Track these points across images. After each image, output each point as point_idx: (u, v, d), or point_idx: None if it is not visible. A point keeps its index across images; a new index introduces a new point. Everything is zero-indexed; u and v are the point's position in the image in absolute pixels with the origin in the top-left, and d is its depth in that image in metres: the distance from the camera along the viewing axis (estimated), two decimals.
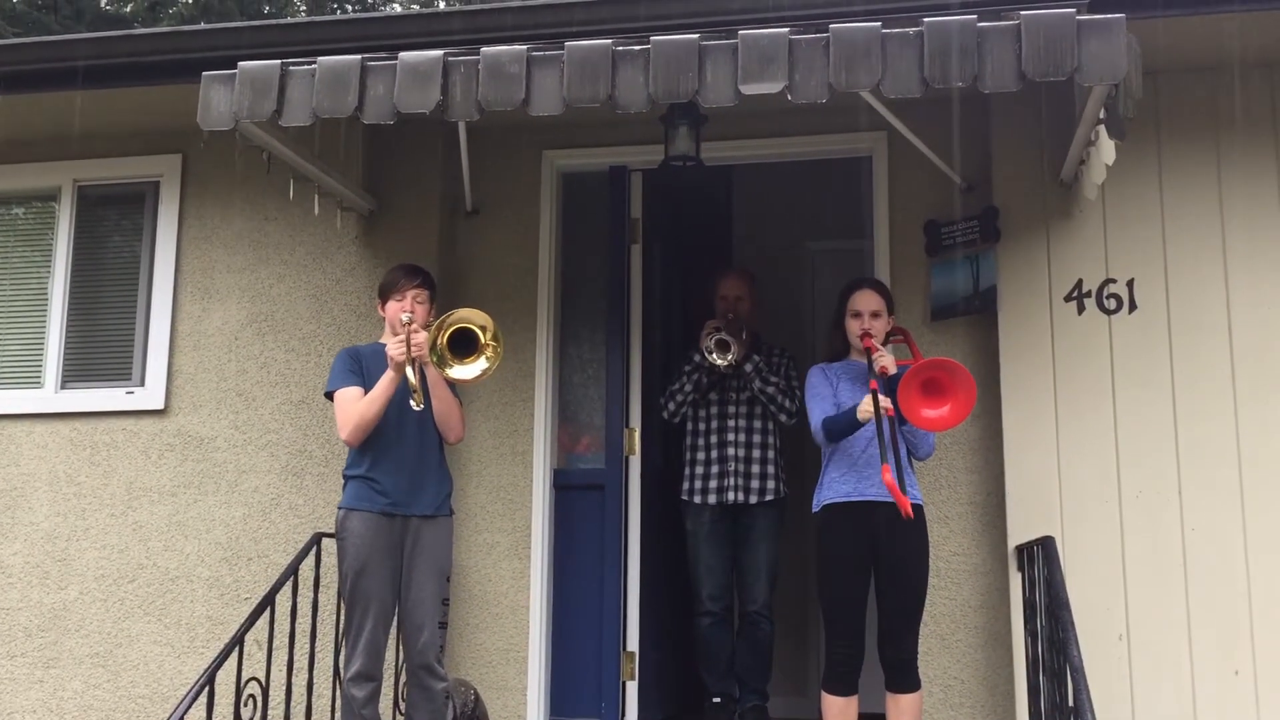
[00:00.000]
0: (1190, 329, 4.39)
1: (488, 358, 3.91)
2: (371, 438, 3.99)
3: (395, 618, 4.03)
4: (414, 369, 3.91)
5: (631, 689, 4.91)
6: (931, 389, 3.82)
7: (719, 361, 4.75)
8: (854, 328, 4.12)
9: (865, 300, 4.14)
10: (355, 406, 3.97)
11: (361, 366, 4.07)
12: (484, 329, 3.90)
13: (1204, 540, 4.27)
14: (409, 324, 3.96)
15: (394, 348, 3.92)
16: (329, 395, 4.09)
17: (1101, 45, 3.33)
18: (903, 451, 4.02)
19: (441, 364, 3.89)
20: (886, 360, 3.97)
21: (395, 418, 3.99)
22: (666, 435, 5.26)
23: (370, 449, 3.99)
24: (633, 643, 4.94)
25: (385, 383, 3.94)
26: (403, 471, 3.99)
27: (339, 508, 4.02)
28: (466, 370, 3.91)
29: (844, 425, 3.98)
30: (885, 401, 3.84)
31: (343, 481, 4.07)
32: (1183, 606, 4.24)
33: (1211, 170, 4.47)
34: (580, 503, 5.06)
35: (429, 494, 4.03)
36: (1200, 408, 4.34)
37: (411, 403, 3.89)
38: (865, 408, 3.88)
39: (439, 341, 3.87)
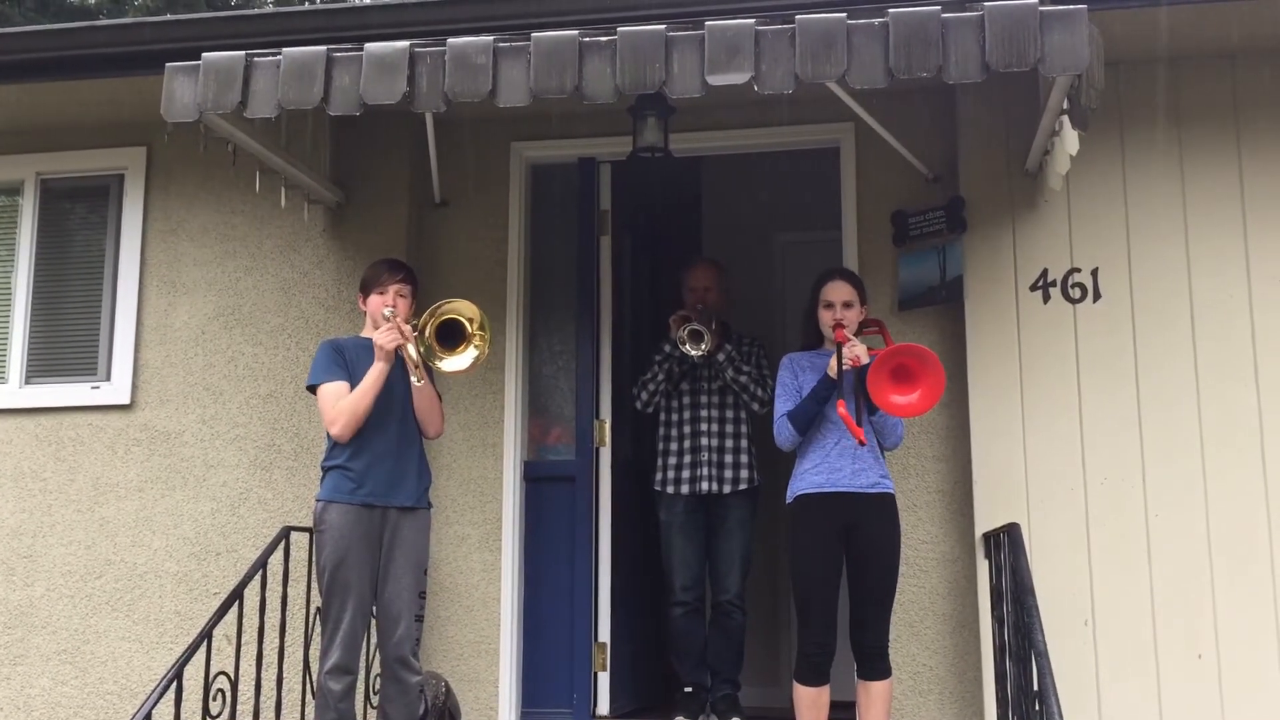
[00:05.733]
0: (1153, 317, 4.44)
1: (476, 346, 3.92)
2: None
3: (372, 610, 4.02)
4: (415, 349, 3.90)
5: (603, 680, 4.92)
6: (901, 375, 3.85)
7: (692, 351, 4.76)
8: (826, 318, 4.14)
9: (837, 290, 4.16)
10: (346, 402, 3.94)
11: (345, 360, 4.04)
12: (471, 320, 3.91)
13: (1168, 526, 4.32)
14: (392, 319, 3.95)
15: (384, 335, 3.90)
16: (311, 389, 4.06)
17: (1064, 36, 3.36)
18: (872, 440, 4.05)
19: (431, 356, 3.90)
20: (859, 350, 3.99)
21: (378, 409, 3.97)
22: (637, 426, 5.27)
23: (351, 440, 3.97)
24: (604, 634, 4.95)
25: (375, 374, 3.92)
26: (383, 463, 3.97)
27: (317, 499, 3.99)
28: (458, 361, 3.93)
29: (816, 396, 4.00)
30: (851, 354, 3.89)
31: (320, 474, 4.05)
32: (1147, 591, 4.30)
33: (1174, 160, 4.52)
34: (551, 494, 5.06)
35: (409, 486, 4.01)
36: (1164, 395, 4.39)
37: (413, 379, 3.89)
38: (833, 364, 3.94)
39: (428, 333, 3.88)
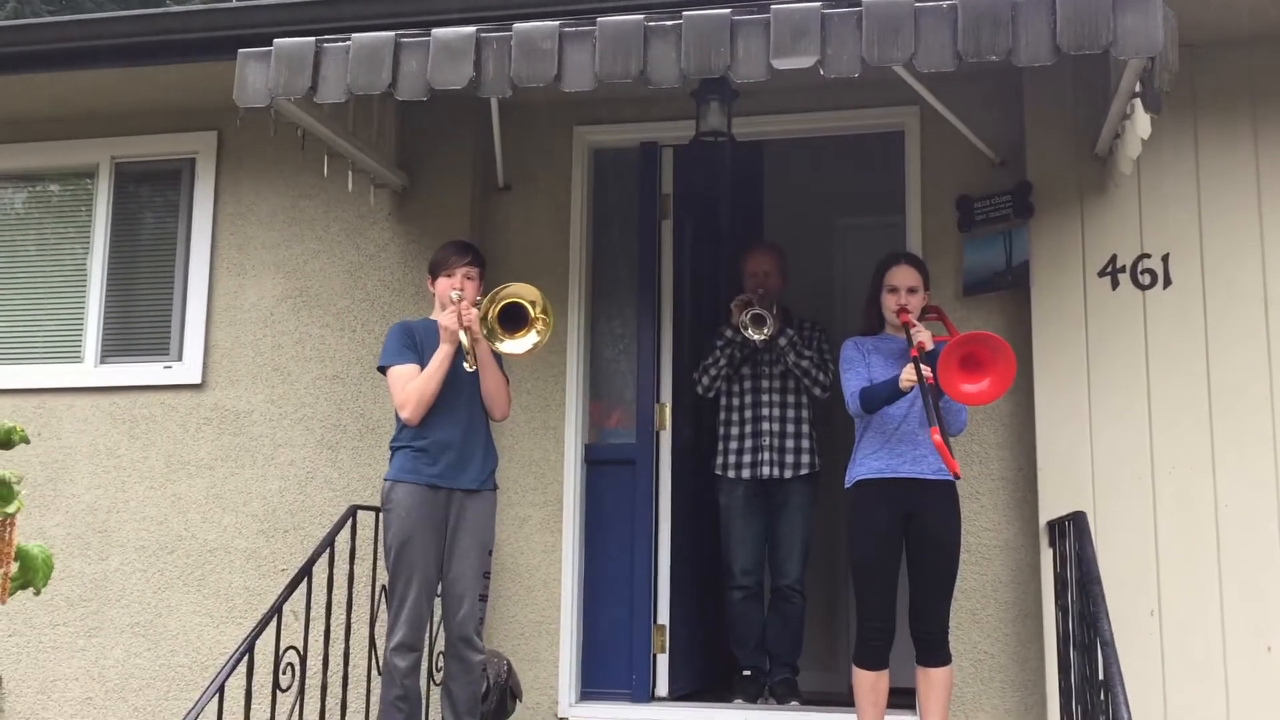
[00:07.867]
0: (1225, 305, 4.36)
1: (538, 331, 3.96)
2: None
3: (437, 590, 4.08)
4: (468, 336, 3.96)
5: (662, 662, 4.95)
6: (970, 363, 3.82)
7: (755, 336, 4.77)
8: (890, 303, 4.12)
9: (902, 275, 4.13)
10: (414, 384, 4.00)
11: (415, 342, 4.10)
12: (534, 303, 3.94)
13: (1237, 517, 4.25)
14: (459, 301, 4.01)
15: (447, 318, 3.97)
16: (382, 370, 4.14)
17: (1137, 18, 3.30)
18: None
19: (492, 338, 3.94)
20: (924, 335, 3.96)
21: (446, 392, 4.03)
22: (697, 410, 5.28)
23: (419, 422, 4.03)
24: (663, 616, 4.98)
25: (441, 357, 3.98)
26: (451, 445, 4.03)
27: (385, 479, 4.08)
28: (517, 344, 3.97)
29: (883, 395, 3.97)
30: (927, 370, 3.84)
31: (389, 454, 4.13)
32: (1215, 583, 4.23)
33: (1248, 144, 4.42)
34: (611, 477, 5.09)
35: (475, 468, 4.07)
36: (1235, 384, 4.31)
37: (465, 365, 3.94)
38: (907, 376, 3.87)
39: (489, 315, 3.93)
